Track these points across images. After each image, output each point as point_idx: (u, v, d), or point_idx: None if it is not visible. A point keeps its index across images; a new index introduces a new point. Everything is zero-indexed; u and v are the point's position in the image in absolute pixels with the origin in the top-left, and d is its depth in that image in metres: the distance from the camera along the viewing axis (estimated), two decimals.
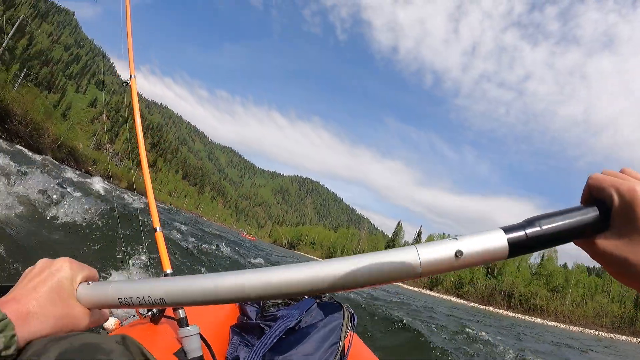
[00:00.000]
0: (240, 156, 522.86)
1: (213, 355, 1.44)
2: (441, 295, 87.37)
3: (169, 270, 1.63)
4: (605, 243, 0.48)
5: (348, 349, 1.61)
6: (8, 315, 0.50)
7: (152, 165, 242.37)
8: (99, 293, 0.60)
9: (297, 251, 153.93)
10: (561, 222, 0.49)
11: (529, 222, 0.50)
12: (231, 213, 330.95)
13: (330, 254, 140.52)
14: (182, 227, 15.06)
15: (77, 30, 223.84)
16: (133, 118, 2.29)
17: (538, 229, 0.49)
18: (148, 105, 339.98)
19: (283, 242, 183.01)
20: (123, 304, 0.59)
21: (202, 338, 1.39)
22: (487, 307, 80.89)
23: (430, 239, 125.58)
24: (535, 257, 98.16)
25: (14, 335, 0.49)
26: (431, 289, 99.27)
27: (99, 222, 6.00)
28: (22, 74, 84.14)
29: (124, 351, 0.51)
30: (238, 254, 12.74)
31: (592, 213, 0.50)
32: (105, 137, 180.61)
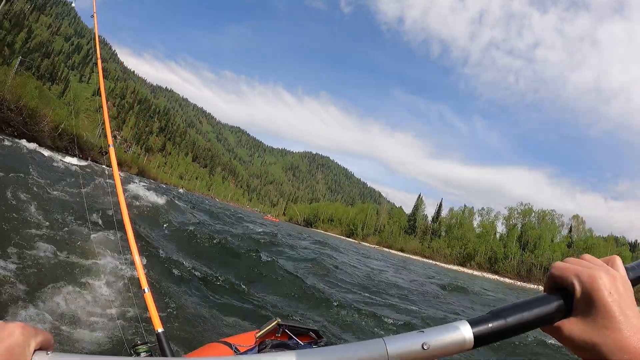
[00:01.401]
0: (248, 135, 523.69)
1: None
2: (474, 272, 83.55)
3: (160, 330, 1.59)
4: (570, 328, 0.52)
5: None
6: None
7: (162, 149, 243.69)
8: None
9: (314, 229, 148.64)
10: (525, 313, 0.52)
11: (494, 315, 0.53)
12: (243, 192, 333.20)
13: (350, 231, 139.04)
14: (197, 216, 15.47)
15: (77, 20, 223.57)
16: (96, 53, 2.54)
17: (503, 321, 0.52)
18: (153, 90, 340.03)
19: (299, 220, 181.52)
20: None
21: None
22: (524, 284, 76.64)
23: (451, 212, 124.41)
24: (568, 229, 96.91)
25: None
26: (463, 265, 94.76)
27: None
28: (18, 61, 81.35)
29: None
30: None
31: (556, 301, 0.53)
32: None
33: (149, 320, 1.75)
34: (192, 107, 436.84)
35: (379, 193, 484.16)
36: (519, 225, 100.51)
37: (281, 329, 2.24)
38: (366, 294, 9.57)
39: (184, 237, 10.13)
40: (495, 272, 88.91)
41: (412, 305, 9.53)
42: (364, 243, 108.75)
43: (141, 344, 1.55)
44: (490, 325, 0.51)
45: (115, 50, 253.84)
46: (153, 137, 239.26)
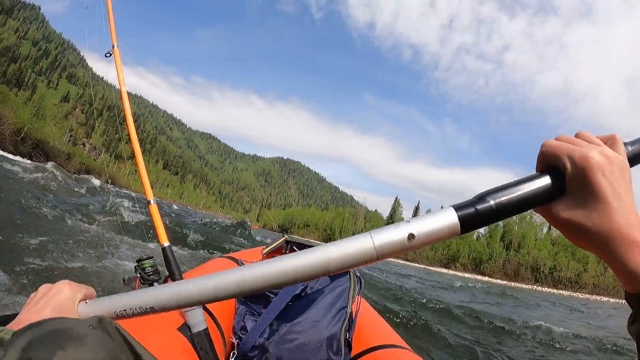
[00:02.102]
0: (219, 141, 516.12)
1: (219, 328, 1.37)
2: (457, 273, 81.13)
3: (166, 244, 1.59)
4: (561, 209, 0.50)
5: (356, 314, 1.60)
6: None
7: (132, 156, 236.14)
8: (97, 309, 0.63)
9: (290, 234, 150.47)
10: (514, 194, 0.51)
11: (480, 197, 0.51)
12: (215, 199, 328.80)
13: (328, 236, 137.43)
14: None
15: (45, 24, 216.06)
16: (120, 91, 2.28)
17: (490, 203, 0.50)
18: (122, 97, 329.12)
19: (274, 226, 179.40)
20: (119, 316, 0.61)
21: (206, 310, 1.30)
22: (513, 284, 74.06)
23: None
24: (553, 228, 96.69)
25: None
26: (447, 267, 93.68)
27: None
28: None
29: (101, 335, 0.48)
30: None
31: (546, 181, 0.51)
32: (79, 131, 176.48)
33: (154, 234, 1.72)
34: (162, 114, 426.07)
35: (351, 197, 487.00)
36: (501, 225, 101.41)
37: (289, 246, 2.37)
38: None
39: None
40: (482, 273, 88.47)
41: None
42: None
43: (146, 259, 1.54)
44: (476, 208, 0.50)
45: (83, 56, 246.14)
46: (123, 144, 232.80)
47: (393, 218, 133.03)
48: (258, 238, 15.17)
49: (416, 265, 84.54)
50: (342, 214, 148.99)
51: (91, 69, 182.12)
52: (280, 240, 2.33)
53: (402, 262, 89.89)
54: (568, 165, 0.49)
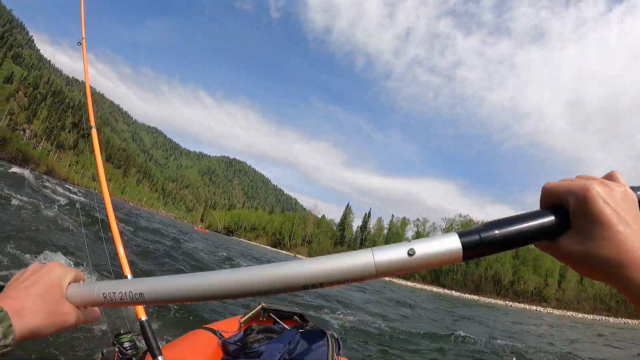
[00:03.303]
0: (165, 137, 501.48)
1: None
2: (417, 285, 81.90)
3: (144, 317, 1.60)
4: (569, 243, 0.50)
5: None
6: (5, 308, 0.56)
7: (74, 146, 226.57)
8: (86, 292, 0.64)
9: (237, 237, 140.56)
10: (519, 226, 0.51)
11: (487, 226, 0.52)
12: (158, 196, 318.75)
13: (277, 241, 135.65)
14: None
15: None
16: (85, 81, 2.69)
17: (495, 232, 0.50)
18: (69, 82, 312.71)
19: (219, 228, 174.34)
20: (107, 301, 0.62)
21: None
22: (475, 297, 75.88)
23: (379, 222, 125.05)
24: None
25: (10, 325, 0.55)
26: (406, 279, 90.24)
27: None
28: None
29: None
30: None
31: (550, 217, 0.52)
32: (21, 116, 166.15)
33: (132, 309, 1.73)
34: (108, 104, 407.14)
35: (295, 200, 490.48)
36: None
37: (266, 313, 2.41)
38: None
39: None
40: (441, 285, 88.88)
41: None
42: (299, 256, 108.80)
43: (124, 334, 1.56)
44: (480, 236, 0.51)
45: (32, 36, 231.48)
46: (65, 132, 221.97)
47: (344, 225, 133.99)
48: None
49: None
50: (291, 219, 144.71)
51: (38, 50, 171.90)
52: (257, 309, 2.39)
53: None
54: (570, 199, 0.50)
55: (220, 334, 1.99)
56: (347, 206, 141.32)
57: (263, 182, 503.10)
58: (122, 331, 1.53)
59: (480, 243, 0.50)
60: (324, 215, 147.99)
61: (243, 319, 2.27)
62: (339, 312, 10.03)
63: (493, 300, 73.51)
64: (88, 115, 2.36)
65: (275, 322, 2.26)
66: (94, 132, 2.41)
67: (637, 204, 0.51)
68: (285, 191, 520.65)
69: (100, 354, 1.58)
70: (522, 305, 70.73)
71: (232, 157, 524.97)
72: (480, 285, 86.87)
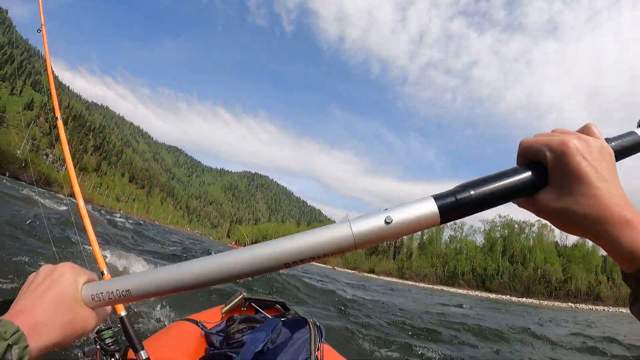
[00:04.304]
0: (186, 155, 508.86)
1: None
2: (460, 291, 75.50)
3: (123, 312, 1.61)
4: (547, 199, 0.50)
5: None
6: (20, 327, 0.51)
7: (97, 169, 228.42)
8: (100, 292, 0.61)
9: None
10: (496, 184, 0.50)
11: (462, 187, 0.51)
12: (182, 214, 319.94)
13: None
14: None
15: (11, 29, 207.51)
16: (47, 70, 2.51)
17: (471, 193, 0.50)
18: (89, 107, 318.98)
19: (247, 243, 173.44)
20: (122, 298, 0.60)
21: None
22: (525, 299, 69.51)
23: None
24: (561, 239, 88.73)
25: (26, 347, 0.50)
26: (449, 285, 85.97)
27: None
28: None
29: None
30: None
31: (528, 173, 0.51)
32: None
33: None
34: (129, 126, 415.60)
35: (319, 211, 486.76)
36: (499, 238, 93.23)
37: (247, 303, 2.31)
38: None
39: None
40: (488, 290, 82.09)
41: None
42: (338, 268, 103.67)
43: (105, 329, 1.53)
44: (456, 197, 0.50)
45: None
46: (88, 155, 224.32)
47: None
48: None
49: (416, 284, 77.92)
50: None
51: (57, 77, 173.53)
52: (238, 298, 2.32)
53: (397, 280, 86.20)
54: (548, 154, 0.49)
55: (202, 325, 2.00)
56: None
57: (286, 194, 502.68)
58: (102, 327, 1.54)
59: (456, 204, 0.49)
60: None
61: (225, 309, 2.27)
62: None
63: (544, 302, 68.30)
64: (53, 106, 2.42)
65: (257, 311, 2.28)
66: (59, 123, 2.52)
67: (614, 157, 0.51)
68: (309, 203, 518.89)
69: (81, 352, 1.60)
70: (575, 305, 65.25)
71: (253, 172, 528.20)
72: (530, 287, 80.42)
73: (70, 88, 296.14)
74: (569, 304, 67.53)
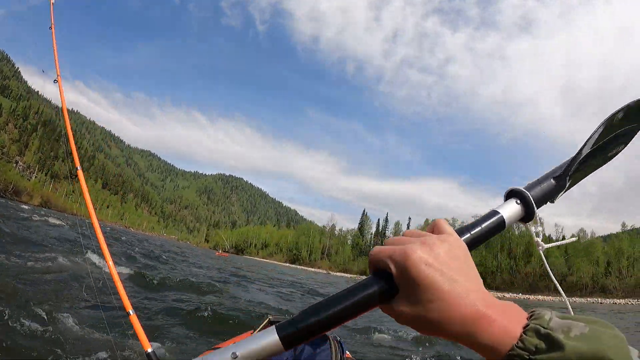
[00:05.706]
0: (159, 159, 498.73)
1: None
2: None
3: (149, 349, 1.55)
4: (401, 307, 0.49)
5: None
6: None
7: (68, 175, 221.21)
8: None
9: (248, 256, 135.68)
10: (342, 305, 0.51)
11: (305, 314, 0.52)
12: (158, 220, 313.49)
13: (294, 257, 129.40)
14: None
15: None
16: (64, 119, 2.44)
17: (315, 318, 0.51)
18: (59, 112, 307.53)
19: (227, 247, 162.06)
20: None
21: None
22: (530, 296, 70.30)
23: (397, 227, 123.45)
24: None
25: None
26: None
27: None
28: None
29: None
30: None
31: (376, 285, 0.51)
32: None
33: (136, 341, 1.60)
34: (100, 131, 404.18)
35: (295, 211, 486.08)
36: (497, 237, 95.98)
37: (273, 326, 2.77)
38: None
39: None
40: (489, 288, 76.94)
41: None
42: (332, 273, 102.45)
43: None
44: (297, 327, 0.51)
45: (18, 68, 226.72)
46: (59, 162, 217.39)
47: (363, 233, 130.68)
48: None
49: None
50: (307, 232, 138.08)
51: (26, 82, 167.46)
52: (265, 322, 2.38)
53: None
54: (392, 266, 0.50)
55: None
56: (364, 213, 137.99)
57: (261, 196, 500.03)
58: None
59: (298, 332, 0.51)
60: (333, 224, 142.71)
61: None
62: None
63: (549, 298, 68.33)
64: (73, 158, 2.54)
65: None
66: (79, 172, 2.58)
67: (467, 250, 0.52)
68: (285, 203, 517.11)
69: None
70: (578, 300, 65.79)
71: (228, 174, 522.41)
72: (536, 284, 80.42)
73: (40, 94, 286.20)
74: (575, 298, 67.87)
